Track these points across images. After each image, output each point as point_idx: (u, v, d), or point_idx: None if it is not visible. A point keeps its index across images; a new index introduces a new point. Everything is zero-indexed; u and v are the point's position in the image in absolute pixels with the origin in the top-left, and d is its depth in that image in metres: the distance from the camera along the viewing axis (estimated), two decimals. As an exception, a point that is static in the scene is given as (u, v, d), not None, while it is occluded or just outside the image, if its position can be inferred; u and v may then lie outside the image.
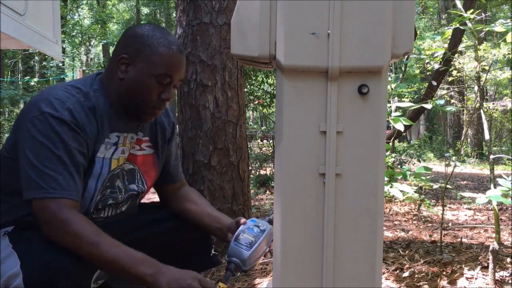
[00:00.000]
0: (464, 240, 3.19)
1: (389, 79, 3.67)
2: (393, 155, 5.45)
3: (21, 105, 12.44)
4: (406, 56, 1.33)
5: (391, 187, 2.80)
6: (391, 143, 4.77)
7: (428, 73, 6.95)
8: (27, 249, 1.18)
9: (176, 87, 1.38)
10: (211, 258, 1.59)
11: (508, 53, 6.27)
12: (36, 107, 1.22)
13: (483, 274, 2.27)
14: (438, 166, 9.73)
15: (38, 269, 1.12)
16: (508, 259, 2.48)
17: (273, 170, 4.98)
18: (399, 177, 3.52)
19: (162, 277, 1.15)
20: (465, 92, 13.70)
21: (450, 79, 11.06)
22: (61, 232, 1.15)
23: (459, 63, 7.06)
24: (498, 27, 2.42)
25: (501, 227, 2.81)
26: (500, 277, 2.23)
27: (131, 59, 1.30)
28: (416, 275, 2.30)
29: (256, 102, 7.30)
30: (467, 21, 2.56)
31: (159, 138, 1.51)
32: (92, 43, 21.15)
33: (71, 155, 1.20)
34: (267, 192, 6.20)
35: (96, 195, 1.33)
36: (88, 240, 1.15)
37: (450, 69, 6.96)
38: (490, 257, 2.16)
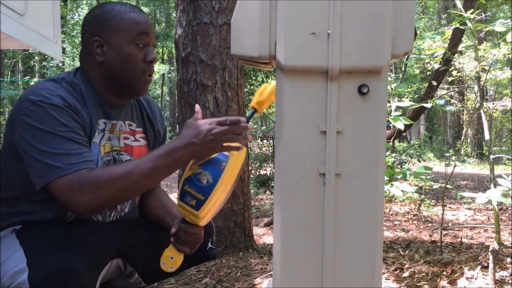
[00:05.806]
0: (464, 240, 3.19)
1: (389, 79, 3.67)
2: (393, 155, 5.44)
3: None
4: (406, 56, 1.33)
5: (391, 186, 2.80)
6: (391, 143, 4.77)
7: (428, 73, 6.94)
8: (34, 248, 1.17)
9: (155, 47, 1.39)
10: (207, 251, 1.57)
11: (508, 53, 6.27)
12: (26, 100, 1.21)
13: (483, 274, 2.27)
14: (438, 166, 9.71)
15: (46, 268, 1.10)
16: (508, 259, 2.48)
17: (273, 170, 4.97)
18: (399, 177, 3.52)
19: (191, 146, 1.21)
20: (465, 92, 13.70)
21: (450, 79, 11.06)
22: (97, 190, 1.16)
23: (459, 63, 7.05)
24: (498, 27, 2.42)
25: (501, 227, 2.81)
26: (500, 277, 2.23)
27: (103, 39, 1.31)
28: (416, 275, 2.30)
29: (256, 102, 7.28)
30: (467, 21, 2.56)
31: (150, 131, 1.51)
32: (92, 43, 21.10)
33: (74, 132, 1.21)
34: (267, 192, 6.20)
35: None
36: (122, 174, 1.17)
37: (450, 69, 6.96)
38: (490, 257, 2.16)
